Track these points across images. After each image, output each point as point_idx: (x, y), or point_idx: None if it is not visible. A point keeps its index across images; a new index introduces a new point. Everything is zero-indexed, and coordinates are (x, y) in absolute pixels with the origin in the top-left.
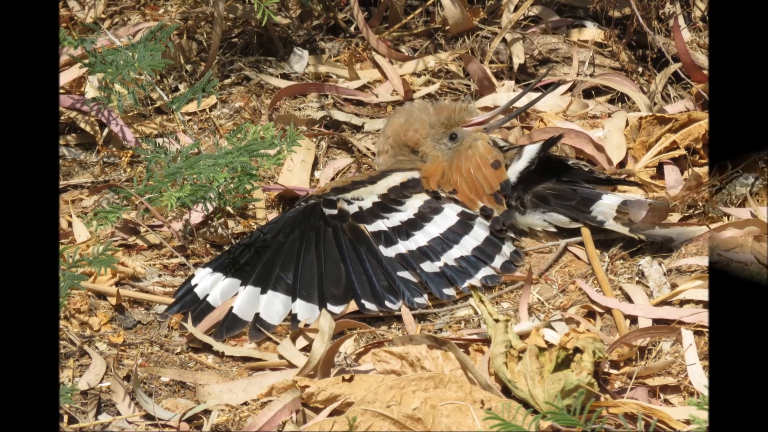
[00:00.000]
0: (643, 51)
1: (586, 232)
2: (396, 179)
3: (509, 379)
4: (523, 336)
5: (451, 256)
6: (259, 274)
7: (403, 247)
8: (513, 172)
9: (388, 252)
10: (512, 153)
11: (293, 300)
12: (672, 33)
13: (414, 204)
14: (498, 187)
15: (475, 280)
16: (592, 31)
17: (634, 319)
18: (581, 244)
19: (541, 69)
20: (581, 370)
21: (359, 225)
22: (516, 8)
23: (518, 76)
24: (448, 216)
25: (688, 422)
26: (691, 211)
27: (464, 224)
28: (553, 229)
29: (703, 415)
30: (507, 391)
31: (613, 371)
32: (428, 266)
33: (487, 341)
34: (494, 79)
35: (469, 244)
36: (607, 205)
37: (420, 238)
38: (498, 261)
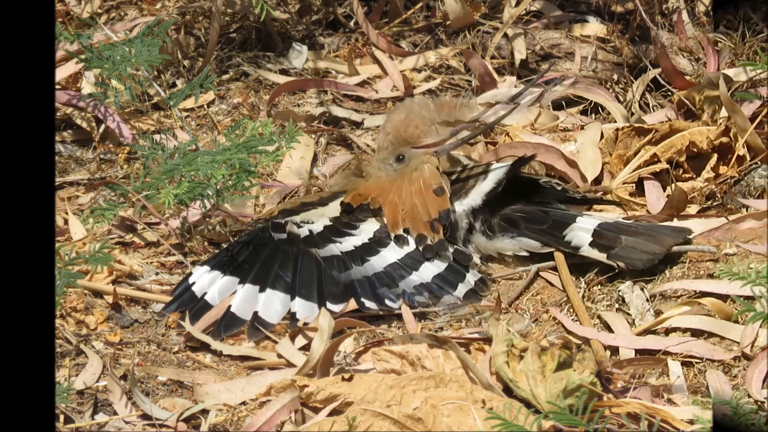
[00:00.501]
0: (646, 46)
1: (559, 256)
2: (363, 204)
3: (511, 379)
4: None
5: (409, 284)
6: (258, 272)
7: (357, 273)
8: (478, 194)
9: (342, 279)
10: (477, 172)
11: (292, 298)
12: (675, 28)
13: (369, 228)
14: (436, 215)
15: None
16: (594, 26)
17: (614, 350)
18: (554, 268)
19: (543, 64)
20: (584, 369)
21: (311, 250)
22: (517, 3)
23: (520, 72)
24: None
25: (692, 422)
26: (710, 202)
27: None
28: (524, 254)
29: (707, 414)
30: (509, 391)
31: (616, 370)
32: (385, 292)
33: (488, 340)
34: (496, 75)
35: (429, 272)
36: (582, 228)
37: (376, 264)
38: (461, 290)
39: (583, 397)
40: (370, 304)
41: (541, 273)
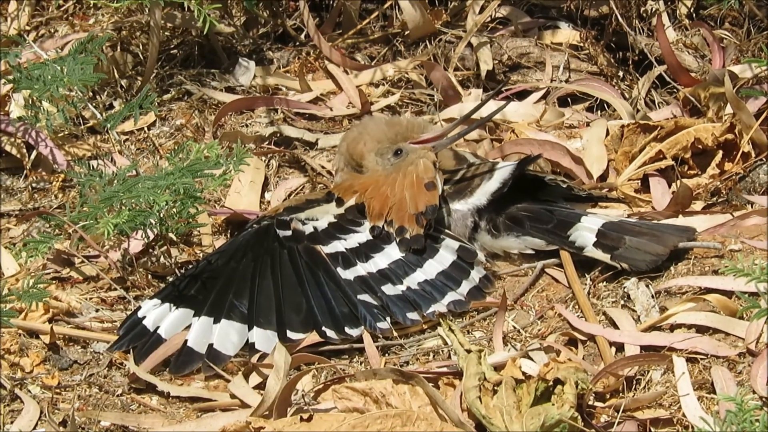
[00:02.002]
0: (623, 53)
1: (565, 253)
2: (353, 199)
3: (484, 415)
4: (498, 367)
5: (414, 280)
6: (213, 302)
7: (362, 269)
8: (483, 193)
9: (347, 274)
10: (483, 170)
11: (250, 328)
12: (655, 32)
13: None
14: (423, 209)
15: (441, 306)
16: (566, 33)
17: (620, 347)
18: (560, 265)
19: (511, 75)
20: (563, 403)
21: (315, 246)
22: (482, 9)
23: (486, 84)
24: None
25: None
26: (715, 198)
27: (429, 247)
28: (530, 251)
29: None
30: (482, 428)
31: (599, 404)
32: (390, 289)
33: (458, 374)
34: (460, 88)
35: (434, 269)
36: (586, 228)
37: (380, 261)
38: (465, 287)
39: None
40: (331, 332)
41: (546, 270)
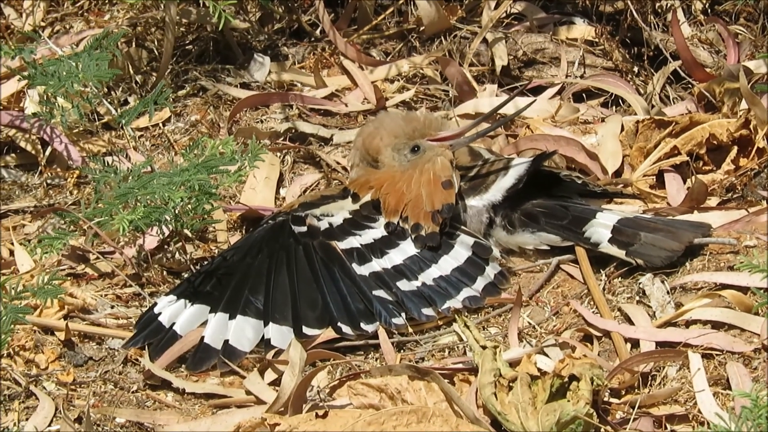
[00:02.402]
0: (638, 48)
1: (580, 249)
2: (368, 195)
3: (499, 411)
4: (513, 364)
5: (429, 276)
6: (229, 298)
7: (377, 265)
8: (498, 190)
9: (362, 270)
10: (498, 167)
11: (265, 324)
12: (670, 28)
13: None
14: (439, 207)
15: (456, 302)
16: (581, 29)
17: (635, 343)
18: (575, 261)
19: (526, 71)
20: (578, 399)
21: (330, 242)
22: (497, 5)
23: (501, 80)
24: None
25: None
26: (730, 194)
27: (444, 243)
28: (545, 247)
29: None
30: (497, 425)
31: (614, 400)
32: (405, 285)
33: (473, 370)
34: (475, 84)
35: (449, 265)
36: (601, 224)
37: (395, 257)
38: (480, 283)
39: (578, 429)
40: (347, 329)
41: (561, 266)
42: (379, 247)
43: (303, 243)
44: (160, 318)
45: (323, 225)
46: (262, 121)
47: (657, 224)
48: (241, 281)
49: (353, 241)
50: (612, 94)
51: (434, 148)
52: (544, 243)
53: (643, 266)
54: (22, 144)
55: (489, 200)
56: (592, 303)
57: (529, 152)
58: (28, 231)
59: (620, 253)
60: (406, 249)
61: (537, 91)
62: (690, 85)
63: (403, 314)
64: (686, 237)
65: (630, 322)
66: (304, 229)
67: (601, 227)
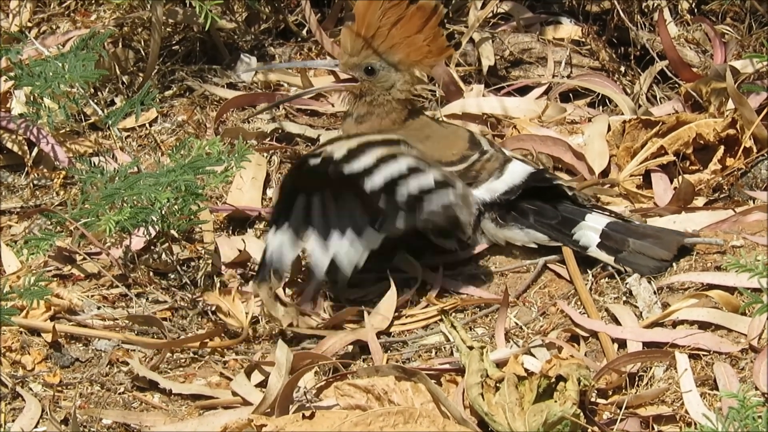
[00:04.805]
0: (625, 48)
1: (567, 249)
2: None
3: (486, 412)
4: (500, 364)
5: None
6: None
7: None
8: (489, 191)
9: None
10: (494, 166)
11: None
12: (657, 28)
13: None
14: None
15: None
16: (568, 28)
17: (622, 343)
18: (562, 261)
19: (513, 71)
20: (565, 399)
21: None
22: (484, 5)
23: (488, 80)
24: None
25: None
26: (717, 194)
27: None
28: (532, 245)
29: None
30: (484, 425)
31: (601, 400)
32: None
33: (460, 371)
34: (462, 84)
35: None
36: (591, 227)
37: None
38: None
39: (565, 429)
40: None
41: (548, 265)
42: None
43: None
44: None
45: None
46: (248, 122)
47: (646, 230)
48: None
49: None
50: (599, 93)
51: None
52: (532, 241)
53: (632, 274)
54: (9, 145)
55: (480, 197)
56: (579, 303)
57: (516, 152)
58: (15, 232)
59: (609, 260)
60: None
61: (524, 90)
62: (677, 85)
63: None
64: (675, 242)
65: (617, 322)
66: (318, 160)
67: (589, 230)
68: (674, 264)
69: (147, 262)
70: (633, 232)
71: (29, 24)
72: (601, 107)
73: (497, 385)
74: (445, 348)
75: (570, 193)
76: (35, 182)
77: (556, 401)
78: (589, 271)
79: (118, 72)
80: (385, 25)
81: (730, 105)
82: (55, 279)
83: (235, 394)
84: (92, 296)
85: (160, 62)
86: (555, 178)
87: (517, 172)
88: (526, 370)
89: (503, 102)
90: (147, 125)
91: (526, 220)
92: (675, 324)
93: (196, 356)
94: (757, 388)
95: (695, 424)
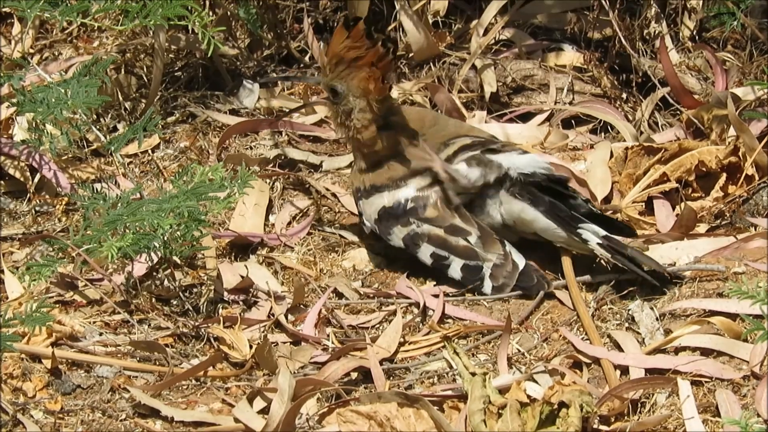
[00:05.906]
0: (626, 75)
1: (567, 266)
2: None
3: None
4: (503, 390)
5: None
6: None
7: None
8: (509, 161)
9: None
10: (514, 147)
11: None
12: (658, 55)
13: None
14: None
15: None
16: (570, 55)
17: (624, 370)
18: (564, 287)
19: (515, 97)
20: (568, 426)
21: None
22: (486, 31)
23: (490, 106)
24: None
25: None
26: (719, 221)
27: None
28: (535, 229)
29: None
30: None
31: (603, 427)
32: None
33: (463, 397)
34: (464, 110)
35: None
36: (593, 230)
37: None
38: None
39: None
40: None
41: (551, 292)
42: None
43: None
44: None
45: None
46: (251, 148)
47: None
48: None
49: None
50: (601, 120)
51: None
52: (538, 226)
53: (634, 269)
54: (11, 171)
55: (504, 163)
56: (581, 329)
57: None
58: (17, 258)
59: (607, 255)
60: None
61: (526, 117)
62: (678, 112)
63: None
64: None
65: (619, 348)
66: None
67: (592, 233)
68: (676, 290)
69: (149, 288)
70: (628, 245)
71: (31, 50)
72: (603, 134)
73: (500, 411)
74: (447, 374)
75: (586, 204)
76: (37, 208)
77: (558, 428)
78: (591, 298)
79: (121, 98)
80: (347, 56)
81: (732, 132)
82: (57, 305)
83: (237, 420)
84: (94, 322)
85: (162, 88)
86: (576, 192)
87: (538, 161)
88: (528, 396)
89: (505, 128)
90: (149, 151)
91: (540, 202)
92: (677, 350)
93: (198, 383)
94: (759, 415)
95: None
